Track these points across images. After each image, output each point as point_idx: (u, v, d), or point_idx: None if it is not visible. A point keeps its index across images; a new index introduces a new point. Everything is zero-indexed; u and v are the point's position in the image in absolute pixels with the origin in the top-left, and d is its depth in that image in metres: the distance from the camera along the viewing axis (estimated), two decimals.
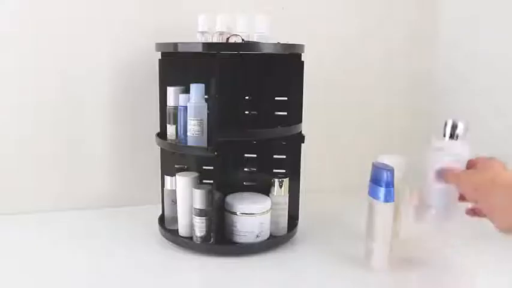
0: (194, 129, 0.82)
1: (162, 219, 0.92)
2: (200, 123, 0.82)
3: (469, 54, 1.18)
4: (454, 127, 0.75)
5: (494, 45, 1.10)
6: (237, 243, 0.84)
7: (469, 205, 0.75)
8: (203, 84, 0.83)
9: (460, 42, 1.21)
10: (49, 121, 1.01)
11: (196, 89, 0.82)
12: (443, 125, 0.76)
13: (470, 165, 0.74)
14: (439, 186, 0.75)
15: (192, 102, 0.82)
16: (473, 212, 0.75)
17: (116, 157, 1.07)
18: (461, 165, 0.74)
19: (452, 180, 0.73)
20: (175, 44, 0.81)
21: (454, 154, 0.74)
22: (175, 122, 0.86)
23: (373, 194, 0.77)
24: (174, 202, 0.87)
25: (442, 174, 0.74)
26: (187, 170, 0.91)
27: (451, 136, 0.75)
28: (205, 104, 0.83)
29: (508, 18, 1.07)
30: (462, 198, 0.75)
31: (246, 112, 0.95)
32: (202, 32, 0.87)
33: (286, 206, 0.89)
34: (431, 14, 1.26)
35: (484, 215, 0.70)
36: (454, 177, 0.73)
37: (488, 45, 1.12)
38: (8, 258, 0.83)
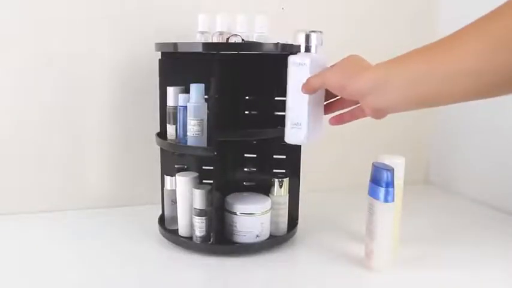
0: (194, 129, 0.82)
1: (162, 219, 0.92)
2: (200, 123, 0.82)
3: None
4: (308, 38, 0.72)
5: None
6: (236, 243, 0.84)
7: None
8: (203, 84, 0.83)
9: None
10: (49, 121, 1.01)
11: (196, 89, 0.82)
12: (297, 39, 0.73)
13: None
14: (306, 103, 0.72)
15: (192, 102, 0.82)
16: (338, 118, 0.75)
17: (116, 157, 1.07)
18: None
19: (317, 83, 0.69)
20: (175, 44, 0.81)
21: (316, 64, 0.71)
22: (175, 122, 0.86)
23: (373, 194, 0.77)
24: (174, 202, 0.87)
25: (306, 83, 0.70)
26: (187, 170, 0.91)
27: (307, 49, 0.73)
28: (205, 104, 0.83)
29: None
30: (328, 108, 0.75)
31: (246, 112, 0.95)
32: (202, 32, 0.87)
33: (286, 206, 0.89)
34: (431, 14, 1.26)
35: (352, 116, 0.73)
36: (318, 79, 0.69)
37: None
38: (8, 258, 0.83)
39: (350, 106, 0.74)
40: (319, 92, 0.72)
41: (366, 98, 0.64)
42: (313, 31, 0.73)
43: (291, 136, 0.74)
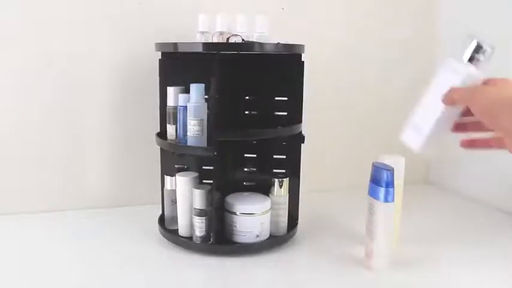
0: (194, 129, 0.82)
1: (162, 219, 0.92)
2: (200, 123, 0.82)
3: None
4: (478, 50, 0.64)
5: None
6: (236, 243, 0.84)
7: (465, 136, 0.68)
8: (203, 84, 0.83)
9: (460, 42, 1.21)
10: (49, 121, 1.01)
11: (196, 89, 0.82)
12: (465, 43, 0.65)
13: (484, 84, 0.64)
14: (439, 111, 0.65)
15: (192, 102, 0.82)
16: (470, 143, 0.67)
17: (116, 157, 1.07)
18: None
19: (461, 99, 0.62)
20: (175, 44, 0.81)
21: (470, 80, 0.63)
22: (175, 122, 0.86)
23: (373, 194, 0.77)
24: (174, 202, 0.87)
25: (450, 93, 0.63)
26: (187, 170, 0.91)
27: (471, 59, 0.64)
28: (205, 104, 0.83)
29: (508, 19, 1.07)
30: (461, 127, 0.67)
31: (246, 112, 0.95)
32: (202, 32, 0.87)
33: (286, 206, 0.89)
34: (431, 14, 1.26)
35: (486, 144, 0.65)
36: (465, 96, 0.62)
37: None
38: (8, 258, 0.83)
39: (486, 131, 0.64)
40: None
41: None
42: (486, 44, 0.65)
43: (407, 136, 0.70)
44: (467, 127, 0.67)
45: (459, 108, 0.65)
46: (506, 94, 0.59)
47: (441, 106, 0.65)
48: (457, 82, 0.64)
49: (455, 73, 0.65)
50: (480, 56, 0.64)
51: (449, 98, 0.64)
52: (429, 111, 0.67)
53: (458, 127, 0.67)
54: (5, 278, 0.75)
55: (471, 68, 0.64)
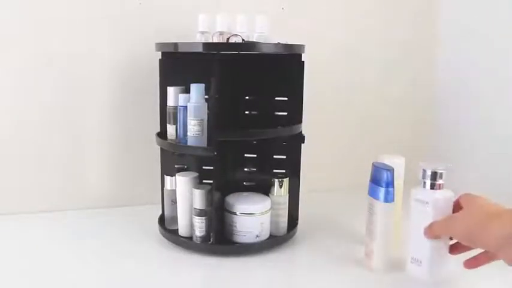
0: (194, 129, 0.82)
1: (162, 219, 0.92)
2: (200, 123, 0.82)
3: (469, 54, 1.18)
4: (435, 176, 0.72)
5: (495, 47, 1.10)
6: (236, 243, 0.84)
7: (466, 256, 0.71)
8: (203, 84, 0.83)
9: (460, 42, 1.21)
10: (49, 121, 1.01)
11: (196, 89, 0.82)
12: (421, 172, 0.73)
13: (456, 206, 0.71)
14: (428, 244, 0.72)
15: (192, 102, 0.82)
16: (474, 262, 0.70)
17: (116, 157, 1.07)
18: (447, 212, 0.72)
19: (441, 232, 0.70)
20: (176, 44, 0.81)
21: (440, 203, 0.71)
22: (175, 122, 0.86)
23: (373, 194, 0.77)
24: (174, 202, 0.87)
25: (430, 229, 0.71)
26: (187, 170, 0.91)
27: (433, 186, 0.72)
28: (205, 104, 0.83)
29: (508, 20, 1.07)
30: (455, 249, 0.73)
31: (246, 112, 0.95)
32: (202, 32, 0.87)
33: (286, 206, 0.89)
34: (431, 14, 1.26)
35: (487, 259, 0.68)
36: (443, 228, 0.70)
37: (489, 48, 1.12)
38: (8, 258, 0.83)
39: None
40: None
41: (503, 250, 0.61)
42: (440, 168, 0.72)
43: (412, 271, 0.75)
44: (460, 247, 0.72)
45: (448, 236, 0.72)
46: (480, 216, 0.64)
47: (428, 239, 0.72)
48: (429, 210, 0.71)
49: (424, 203, 0.72)
50: (439, 180, 0.72)
51: (431, 233, 0.71)
52: (420, 245, 0.73)
53: (453, 249, 0.73)
54: (5, 278, 0.75)
55: (436, 194, 0.72)
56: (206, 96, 0.84)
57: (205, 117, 0.82)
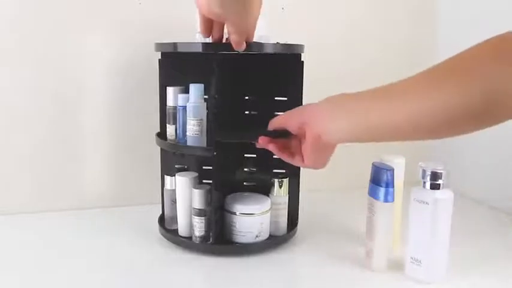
0: (194, 129, 0.82)
1: (161, 219, 0.92)
2: (200, 123, 0.82)
3: None
4: (435, 177, 0.72)
5: None
6: (236, 243, 0.84)
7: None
8: (202, 84, 0.83)
9: (460, 42, 1.21)
10: (48, 121, 1.01)
11: (196, 89, 0.82)
12: (421, 172, 0.73)
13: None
14: (427, 243, 0.73)
15: (191, 102, 0.82)
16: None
17: (115, 157, 1.07)
18: (446, 217, 0.73)
19: (278, 123, 0.71)
20: (175, 44, 0.81)
21: (439, 204, 0.71)
22: (174, 122, 0.86)
23: (373, 194, 0.77)
24: (174, 202, 0.87)
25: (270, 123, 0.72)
26: (186, 170, 0.91)
27: (433, 186, 0.72)
28: (205, 104, 0.82)
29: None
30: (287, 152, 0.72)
31: (246, 112, 0.95)
32: None
33: (286, 206, 0.89)
34: (431, 11, 1.26)
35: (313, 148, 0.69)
36: (279, 120, 0.71)
37: None
38: (8, 258, 0.83)
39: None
40: (444, 225, 0.72)
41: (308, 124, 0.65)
42: (440, 168, 0.72)
43: (411, 270, 0.75)
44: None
45: (447, 226, 0.72)
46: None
47: (429, 235, 0.72)
48: (429, 210, 0.71)
49: (424, 203, 0.72)
50: (439, 180, 0.72)
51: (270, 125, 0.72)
52: (420, 245, 0.74)
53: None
54: (4, 278, 0.75)
55: (436, 194, 0.72)
56: (206, 96, 0.84)
57: (205, 117, 0.82)
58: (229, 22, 0.70)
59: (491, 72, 0.54)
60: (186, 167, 0.92)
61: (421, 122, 0.58)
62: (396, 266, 0.79)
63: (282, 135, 0.70)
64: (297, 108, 0.71)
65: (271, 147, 0.71)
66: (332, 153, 0.69)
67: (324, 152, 0.68)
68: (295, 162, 0.71)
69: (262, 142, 0.71)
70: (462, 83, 0.55)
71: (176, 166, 0.92)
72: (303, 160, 0.69)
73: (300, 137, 0.69)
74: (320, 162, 0.69)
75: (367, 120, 0.61)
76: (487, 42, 0.56)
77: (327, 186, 1.18)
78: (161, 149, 0.91)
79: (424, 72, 0.60)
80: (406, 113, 0.58)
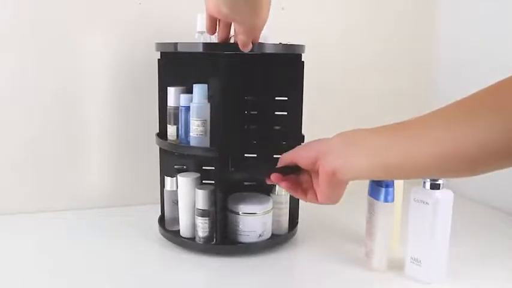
0: (198, 129, 0.81)
1: (161, 220, 0.91)
2: (203, 124, 0.81)
3: (469, 55, 1.18)
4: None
5: (494, 45, 1.10)
6: (240, 243, 0.84)
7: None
8: (206, 84, 0.83)
9: (461, 41, 1.21)
10: (48, 121, 1.01)
11: (199, 89, 0.82)
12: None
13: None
14: (429, 243, 0.73)
15: (195, 102, 0.82)
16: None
17: (115, 157, 1.07)
18: (446, 217, 0.73)
19: (290, 159, 0.67)
20: (175, 44, 0.81)
21: (440, 203, 0.72)
22: (176, 122, 0.86)
23: (373, 194, 0.77)
24: (175, 203, 0.87)
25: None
26: (186, 170, 0.91)
27: (433, 186, 0.72)
28: (208, 104, 0.82)
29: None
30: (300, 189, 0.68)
31: (246, 112, 0.95)
32: (202, 32, 0.87)
33: (287, 205, 0.89)
34: (431, 12, 1.26)
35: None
36: (290, 156, 0.67)
37: (489, 44, 1.12)
38: (8, 258, 0.82)
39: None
40: (444, 225, 0.73)
41: (319, 162, 0.62)
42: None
43: (411, 270, 0.75)
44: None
45: (446, 226, 0.73)
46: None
47: (428, 234, 0.72)
48: (429, 210, 0.72)
49: (424, 203, 0.72)
50: (439, 180, 0.72)
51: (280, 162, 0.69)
52: (420, 245, 0.74)
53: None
54: (5, 278, 0.75)
55: (436, 194, 0.72)
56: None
57: (209, 118, 0.82)
58: (237, 22, 0.70)
59: None
60: (185, 167, 0.92)
61: (451, 163, 0.53)
62: (396, 266, 0.79)
63: (293, 170, 0.67)
64: (308, 143, 0.67)
65: (283, 185, 0.68)
66: (345, 188, 0.65)
67: (337, 189, 0.64)
68: (308, 199, 0.67)
69: (274, 179, 0.67)
70: (499, 118, 0.49)
71: (175, 166, 0.92)
72: (316, 197, 0.66)
73: (311, 173, 0.66)
74: (334, 199, 0.65)
75: (387, 158, 0.57)
76: None
77: None
78: (161, 150, 0.91)
79: (450, 106, 0.55)
80: (434, 152, 0.53)
